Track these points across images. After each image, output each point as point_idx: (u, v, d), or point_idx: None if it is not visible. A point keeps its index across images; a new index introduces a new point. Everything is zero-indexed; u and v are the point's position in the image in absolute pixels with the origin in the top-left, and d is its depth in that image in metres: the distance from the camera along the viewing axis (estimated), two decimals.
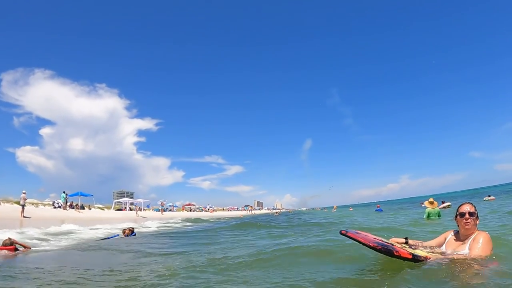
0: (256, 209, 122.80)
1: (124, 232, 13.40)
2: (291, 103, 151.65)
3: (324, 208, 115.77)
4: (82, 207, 38.32)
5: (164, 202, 58.56)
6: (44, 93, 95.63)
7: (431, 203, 15.21)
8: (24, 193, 26.62)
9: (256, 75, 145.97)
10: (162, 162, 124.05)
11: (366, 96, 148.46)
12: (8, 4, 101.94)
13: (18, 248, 8.54)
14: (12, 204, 30.35)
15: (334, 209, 66.44)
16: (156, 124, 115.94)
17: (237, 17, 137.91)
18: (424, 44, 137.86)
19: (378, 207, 36.38)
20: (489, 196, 40.62)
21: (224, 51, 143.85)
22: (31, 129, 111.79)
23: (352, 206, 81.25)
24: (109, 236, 13.44)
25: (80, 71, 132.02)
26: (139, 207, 50.80)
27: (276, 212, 54.50)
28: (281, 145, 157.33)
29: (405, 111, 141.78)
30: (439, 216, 14.74)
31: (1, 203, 29.74)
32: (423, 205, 22.91)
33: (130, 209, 48.82)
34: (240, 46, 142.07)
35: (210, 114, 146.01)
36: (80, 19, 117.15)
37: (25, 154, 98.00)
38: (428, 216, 14.78)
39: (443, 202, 26.60)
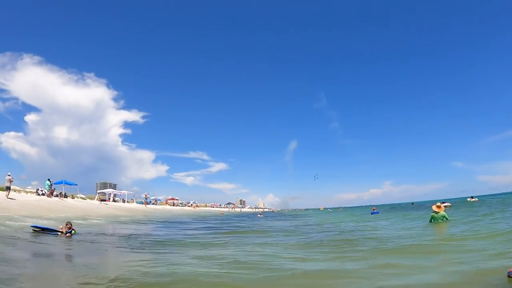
0: (239, 207, 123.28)
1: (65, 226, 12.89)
2: (279, 104, 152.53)
3: (309, 208, 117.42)
4: (65, 196, 37.91)
5: (148, 195, 58.65)
6: (31, 79, 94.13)
7: (438, 207, 15.24)
8: (9, 175, 26.35)
9: (244, 75, 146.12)
10: (147, 155, 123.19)
11: (353, 100, 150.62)
12: None
13: None
14: None
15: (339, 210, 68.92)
16: (143, 117, 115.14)
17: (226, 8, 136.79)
18: (413, 48, 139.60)
19: (374, 209, 37.67)
20: (472, 197, 42.64)
21: (215, 46, 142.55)
22: (16, 115, 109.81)
23: (333, 209, 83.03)
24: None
25: (69, 58, 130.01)
26: (123, 199, 50.91)
27: (260, 214, 54.99)
28: (266, 145, 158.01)
29: (390, 118, 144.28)
30: (446, 219, 15.06)
31: None
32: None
33: (114, 201, 48.63)
34: (229, 35, 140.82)
35: (197, 110, 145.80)
36: (72, 6, 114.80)
37: (9, 140, 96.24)
38: (431, 220, 15.24)
39: (443, 203, 27.82)
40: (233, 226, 25.10)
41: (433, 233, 12.91)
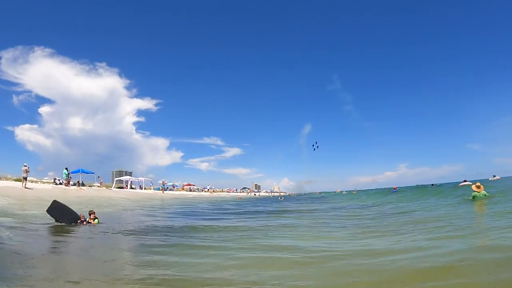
0: (254, 192, 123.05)
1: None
2: (292, 88, 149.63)
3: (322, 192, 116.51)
4: (83, 184, 37.74)
5: (166, 182, 58.26)
6: (44, 72, 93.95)
7: (478, 187, 16.82)
8: (25, 165, 26.36)
9: (257, 60, 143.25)
10: (161, 142, 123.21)
11: (367, 83, 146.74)
12: None
13: None
14: (11, 181, 30.08)
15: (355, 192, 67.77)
16: (156, 105, 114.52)
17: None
18: (428, 31, 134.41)
19: (395, 188, 41.16)
20: (494, 176, 40.96)
21: (225, 33, 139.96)
22: (31, 107, 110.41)
23: (348, 192, 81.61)
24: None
25: (80, 49, 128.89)
26: (140, 186, 50.46)
27: (280, 198, 55.27)
28: (280, 129, 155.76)
29: (405, 99, 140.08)
30: (485, 195, 16.49)
31: (1, 179, 29.80)
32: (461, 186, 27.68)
33: (132, 188, 48.55)
34: (238, 21, 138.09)
35: (210, 96, 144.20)
36: (80, 2, 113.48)
37: (24, 132, 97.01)
38: (474, 198, 16.50)
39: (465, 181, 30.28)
40: (271, 209, 24.87)
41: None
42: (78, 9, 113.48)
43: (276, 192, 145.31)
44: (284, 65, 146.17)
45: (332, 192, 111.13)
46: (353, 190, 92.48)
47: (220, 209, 26.42)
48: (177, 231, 11.00)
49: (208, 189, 78.02)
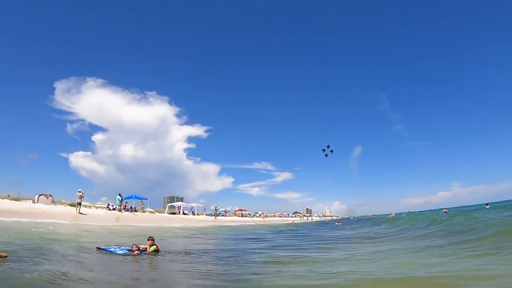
0: (306, 216, 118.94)
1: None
2: (340, 110, 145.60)
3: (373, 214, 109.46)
4: (135, 210, 37.62)
5: (218, 207, 57.06)
6: (96, 101, 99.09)
7: None
8: (80, 191, 26.89)
9: (304, 82, 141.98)
10: (212, 168, 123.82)
11: (416, 101, 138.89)
12: (62, 18, 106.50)
13: None
14: (65, 205, 30.61)
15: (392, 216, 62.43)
16: (206, 131, 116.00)
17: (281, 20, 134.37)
18: (477, 42, 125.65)
19: (445, 212, 37.07)
20: None
21: (271, 56, 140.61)
22: (84, 135, 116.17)
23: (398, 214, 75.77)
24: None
25: (131, 79, 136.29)
26: (193, 212, 49.74)
27: (338, 222, 51.83)
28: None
29: (456, 115, 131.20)
30: None
31: (56, 204, 30.17)
32: None
33: (184, 213, 47.70)
34: (285, 46, 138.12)
35: (259, 121, 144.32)
36: (128, 33, 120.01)
37: (78, 159, 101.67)
38: None
39: None
40: (347, 233, 23.55)
41: None
42: (128, 40, 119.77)
43: (328, 216, 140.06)
44: (331, 85, 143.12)
45: (385, 215, 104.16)
46: (403, 214, 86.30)
47: (288, 236, 24.31)
48: (258, 264, 9.37)
49: (260, 214, 75.68)
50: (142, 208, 39.10)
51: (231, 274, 7.73)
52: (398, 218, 39.34)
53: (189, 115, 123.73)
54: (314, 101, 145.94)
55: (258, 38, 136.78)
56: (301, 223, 67.42)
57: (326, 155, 52.38)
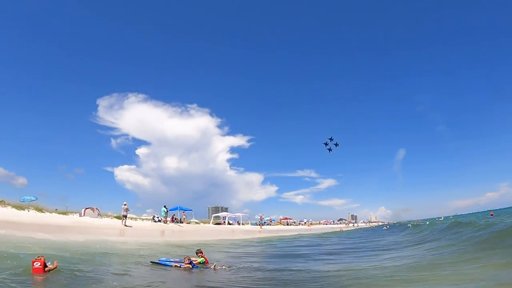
0: (352, 222, 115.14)
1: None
2: (382, 112, 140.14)
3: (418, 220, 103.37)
4: (181, 221, 37.45)
5: (263, 216, 55.75)
6: (139, 116, 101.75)
7: None
8: (125, 204, 27.54)
9: (343, 87, 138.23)
10: (255, 177, 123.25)
11: (458, 100, 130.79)
12: (101, 37, 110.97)
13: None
14: (111, 218, 30.99)
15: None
16: (248, 141, 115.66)
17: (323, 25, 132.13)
18: None
19: (491, 214, 37.10)
20: None
21: (312, 61, 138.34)
22: (128, 149, 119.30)
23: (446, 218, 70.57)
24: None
25: (171, 93, 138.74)
26: (238, 221, 49.00)
27: (385, 227, 49.06)
28: (374, 156, 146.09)
29: (501, 112, 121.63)
30: None
31: (102, 217, 30.59)
32: None
33: (229, 223, 47.01)
34: (326, 56, 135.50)
35: (301, 129, 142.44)
36: (167, 49, 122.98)
37: (123, 173, 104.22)
38: None
39: None
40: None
41: None
42: (167, 56, 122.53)
43: (374, 221, 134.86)
44: (370, 90, 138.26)
45: (432, 219, 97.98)
46: (440, 217, 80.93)
47: (348, 246, 22.06)
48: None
49: (305, 222, 73.50)
50: (184, 219, 38.73)
51: None
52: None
53: (231, 126, 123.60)
54: (354, 108, 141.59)
55: (297, 53, 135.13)
56: (351, 230, 64.52)
57: (329, 149, 44.07)
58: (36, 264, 8.11)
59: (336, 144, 41.76)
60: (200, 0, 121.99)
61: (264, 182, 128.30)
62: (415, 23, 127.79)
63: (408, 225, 42.15)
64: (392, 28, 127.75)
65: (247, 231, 40.84)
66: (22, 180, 79.17)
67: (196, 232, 32.56)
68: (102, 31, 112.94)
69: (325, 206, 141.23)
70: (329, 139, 41.49)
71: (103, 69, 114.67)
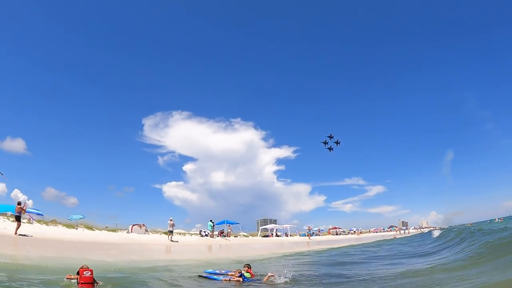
0: (403, 229, 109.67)
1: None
2: (427, 116, 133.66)
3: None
4: (228, 235, 37.17)
5: (311, 227, 54.09)
6: (184, 133, 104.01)
7: None
8: (171, 219, 27.62)
9: (387, 93, 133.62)
10: (303, 188, 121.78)
11: (506, 95, 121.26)
12: (142, 59, 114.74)
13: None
14: (160, 234, 31.29)
15: None
16: (294, 152, 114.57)
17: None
18: None
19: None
20: None
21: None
22: (175, 166, 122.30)
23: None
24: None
25: (215, 109, 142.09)
26: (286, 233, 47.96)
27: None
28: (421, 160, 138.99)
29: None
30: None
31: (150, 233, 31.14)
32: None
33: (277, 235, 45.98)
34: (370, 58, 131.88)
35: (346, 136, 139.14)
36: (206, 67, 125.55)
37: (171, 189, 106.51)
38: None
39: None
40: None
41: None
42: (209, 72, 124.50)
43: (425, 227, 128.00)
44: (415, 91, 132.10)
45: (484, 222, 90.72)
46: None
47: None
48: None
49: (355, 231, 70.76)
50: (229, 233, 38.15)
51: None
52: None
53: (276, 138, 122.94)
54: (399, 110, 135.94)
55: (340, 54, 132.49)
56: (405, 237, 60.78)
57: (330, 148, 38.09)
58: (86, 273, 7.58)
59: (337, 142, 38.44)
60: (239, 21, 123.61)
61: (312, 192, 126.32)
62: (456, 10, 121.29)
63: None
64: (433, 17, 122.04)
65: (296, 243, 39.32)
66: (73, 200, 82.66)
67: (243, 246, 31.59)
68: (143, 55, 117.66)
69: (374, 213, 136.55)
70: (329, 137, 38.18)
71: (146, 90, 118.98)
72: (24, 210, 21.35)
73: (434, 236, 35.19)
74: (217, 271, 11.61)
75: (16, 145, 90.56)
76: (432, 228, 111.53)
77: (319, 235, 56.09)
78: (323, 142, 37.49)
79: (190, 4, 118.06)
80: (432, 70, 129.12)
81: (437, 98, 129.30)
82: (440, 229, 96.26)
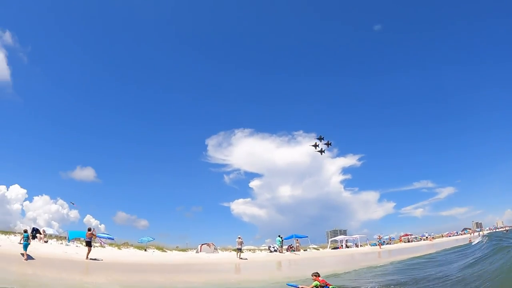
0: (477, 231, 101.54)
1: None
2: (495, 109, 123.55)
3: None
4: (297, 249, 36.10)
5: (381, 236, 51.32)
6: (247, 150, 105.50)
7: None
8: (239, 237, 28.09)
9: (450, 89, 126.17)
10: (371, 196, 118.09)
11: None
12: (203, 81, 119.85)
13: None
14: (230, 251, 31.62)
15: None
16: (359, 159, 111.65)
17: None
18: None
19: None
20: None
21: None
22: (242, 183, 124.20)
23: None
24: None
25: (276, 124, 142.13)
26: (356, 243, 46.07)
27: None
28: (492, 156, 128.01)
29: None
30: None
31: (220, 251, 31.66)
32: None
33: (347, 246, 44.19)
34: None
35: (412, 139, 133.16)
36: (265, 82, 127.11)
37: (239, 206, 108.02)
38: None
39: None
40: None
41: None
42: (267, 91, 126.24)
43: (501, 227, 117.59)
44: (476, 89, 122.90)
45: None
46: None
47: None
48: None
49: (427, 237, 66.03)
50: (298, 246, 36.90)
51: None
52: None
53: (340, 147, 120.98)
54: (465, 106, 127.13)
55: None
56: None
57: (321, 151, 37.04)
58: None
59: (328, 144, 37.51)
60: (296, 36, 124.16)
61: (380, 200, 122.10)
62: None
63: None
64: None
65: (366, 253, 37.13)
66: (143, 222, 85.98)
67: (311, 261, 30.05)
68: (204, 78, 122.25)
69: (446, 216, 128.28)
70: (318, 138, 37.30)
71: (208, 111, 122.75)
72: (95, 235, 22.58)
73: None
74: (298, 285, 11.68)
75: (86, 173, 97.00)
76: (508, 228, 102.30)
77: (389, 243, 52.99)
78: (313, 145, 37.33)
79: (237, 26, 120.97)
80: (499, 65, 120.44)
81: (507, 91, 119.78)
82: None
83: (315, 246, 41.80)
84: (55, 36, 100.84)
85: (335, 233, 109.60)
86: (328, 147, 37.58)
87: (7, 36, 77.05)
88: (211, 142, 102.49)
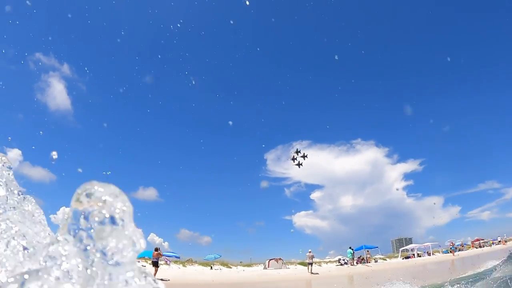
0: None
1: None
2: None
3: None
4: (367, 261, 34.18)
5: (453, 242, 47.62)
6: (307, 161, 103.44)
7: None
8: (310, 251, 27.68)
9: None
10: (435, 201, 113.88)
11: None
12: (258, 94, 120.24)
13: None
14: (295, 265, 30.87)
15: None
16: (420, 164, 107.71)
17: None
18: None
19: None
20: None
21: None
22: (302, 196, 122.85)
23: None
24: None
25: (333, 133, 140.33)
26: (427, 251, 43.44)
27: None
28: None
29: None
30: None
31: (286, 266, 30.48)
32: None
33: (418, 255, 41.78)
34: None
35: (474, 137, 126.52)
36: (321, 91, 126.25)
37: (301, 219, 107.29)
38: None
39: None
40: None
41: None
42: (322, 98, 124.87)
43: None
44: None
45: None
46: None
47: None
48: None
49: (500, 240, 60.76)
50: (368, 258, 35.06)
51: None
52: None
53: (399, 153, 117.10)
54: None
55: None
56: None
57: (299, 164, 40.35)
58: None
59: (304, 156, 41.39)
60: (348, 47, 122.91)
61: (445, 204, 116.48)
62: None
63: None
64: None
65: (444, 262, 33.92)
66: (207, 239, 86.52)
67: (390, 273, 27.27)
68: (256, 90, 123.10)
69: None
70: (296, 152, 40.83)
71: (266, 126, 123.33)
72: (161, 255, 22.00)
73: None
74: None
75: (149, 193, 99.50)
76: None
77: (462, 250, 49.15)
78: (292, 159, 40.98)
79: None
80: None
81: None
82: None
83: (382, 256, 40.48)
84: (112, 63, 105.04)
85: (400, 241, 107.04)
86: (304, 159, 41.72)
87: (65, 68, 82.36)
88: (270, 156, 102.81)
